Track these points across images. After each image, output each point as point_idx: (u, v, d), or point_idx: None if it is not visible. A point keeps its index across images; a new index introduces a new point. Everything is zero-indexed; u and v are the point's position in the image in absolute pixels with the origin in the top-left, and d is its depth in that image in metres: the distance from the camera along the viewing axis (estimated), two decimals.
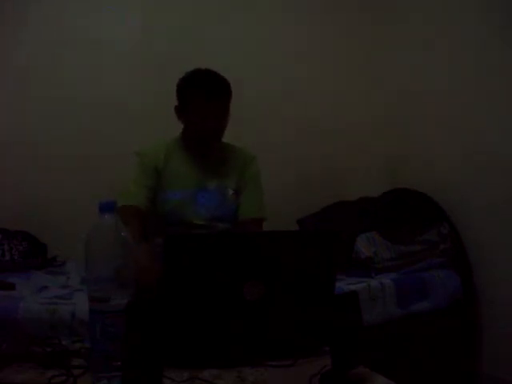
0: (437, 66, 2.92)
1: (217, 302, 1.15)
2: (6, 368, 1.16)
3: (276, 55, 3.25)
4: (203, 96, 1.89)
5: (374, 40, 3.33)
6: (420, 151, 3.08)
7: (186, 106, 1.95)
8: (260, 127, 3.19)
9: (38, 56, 2.94)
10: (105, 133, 2.98)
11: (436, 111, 2.95)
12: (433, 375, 2.54)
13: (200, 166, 2.00)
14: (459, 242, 2.78)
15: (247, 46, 3.21)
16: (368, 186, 3.24)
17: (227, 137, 2.08)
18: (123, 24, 3.04)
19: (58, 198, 2.94)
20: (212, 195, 1.98)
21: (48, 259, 2.80)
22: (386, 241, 2.73)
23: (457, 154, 2.83)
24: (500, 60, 2.57)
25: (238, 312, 1.16)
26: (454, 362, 2.64)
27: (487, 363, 2.71)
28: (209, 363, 1.17)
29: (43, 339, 1.28)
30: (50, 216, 2.91)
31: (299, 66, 3.30)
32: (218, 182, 2.00)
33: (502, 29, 2.54)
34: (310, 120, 3.31)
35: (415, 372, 2.45)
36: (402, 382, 1.21)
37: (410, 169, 3.16)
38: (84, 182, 2.95)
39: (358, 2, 3.37)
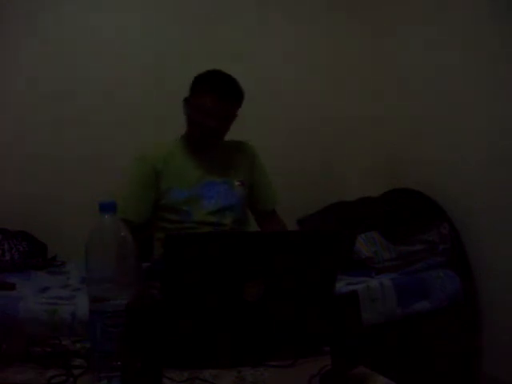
0: (437, 66, 2.92)
1: (217, 303, 1.15)
2: (5, 368, 1.16)
3: (276, 54, 3.25)
4: (213, 94, 1.92)
5: (373, 39, 3.33)
6: (420, 151, 3.08)
7: (195, 99, 1.97)
8: (259, 127, 3.18)
9: (38, 57, 2.94)
10: (105, 133, 2.98)
11: (436, 111, 2.95)
12: (433, 375, 2.54)
13: (203, 162, 2.03)
14: (459, 242, 2.78)
15: (247, 46, 3.20)
16: (368, 186, 3.23)
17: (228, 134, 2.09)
18: (124, 24, 3.05)
19: (58, 198, 2.94)
20: (218, 187, 2.02)
21: (48, 259, 2.80)
22: (386, 241, 2.73)
23: (457, 154, 2.83)
24: (502, 59, 2.56)
25: (237, 312, 1.16)
26: (454, 362, 2.64)
27: (487, 363, 2.71)
28: (209, 363, 1.17)
29: (43, 339, 1.28)
30: (50, 216, 2.91)
31: (298, 65, 3.30)
32: (223, 175, 2.04)
33: (503, 27, 2.54)
34: (310, 120, 3.31)
35: (415, 372, 2.45)
36: (402, 382, 1.21)
37: (409, 169, 3.16)
38: (84, 182, 2.95)
39: (360, 0, 3.37)
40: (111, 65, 3.01)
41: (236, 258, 1.15)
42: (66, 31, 2.97)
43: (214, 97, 1.92)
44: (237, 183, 2.06)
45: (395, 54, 3.23)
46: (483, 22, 2.64)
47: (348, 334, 1.13)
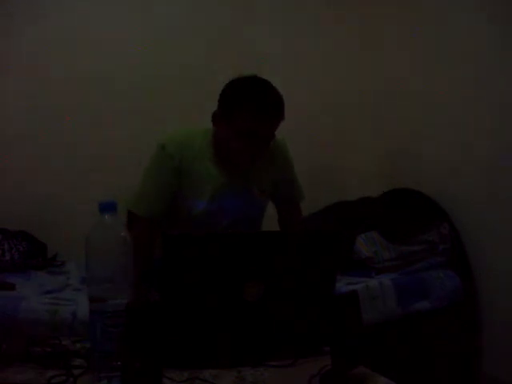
0: (437, 64, 2.92)
1: (217, 303, 1.15)
2: (5, 368, 1.16)
3: (275, 55, 3.24)
4: (252, 115, 1.62)
5: (373, 35, 3.32)
6: (420, 151, 3.07)
7: (227, 118, 1.68)
8: None
9: (38, 56, 2.94)
10: (105, 133, 2.98)
11: (436, 111, 2.95)
12: (433, 375, 2.54)
13: (227, 168, 1.80)
14: (459, 242, 2.78)
15: (246, 46, 3.20)
16: (368, 186, 3.23)
17: None
18: (123, 24, 3.05)
19: (58, 198, 2.93)
20: (237, 196, 1.82)
21: (48, 259, 2.80)
22: (386, 241, 2.73)
23: (457, 154, 2.83)
24: (501, 59, 2.56)
25: (237, 312, 1.16)
26: (454, 362, 2.64)
27: (487, 363, 2.71)
28: (209, 363, 1.17)
29: (43, 339, 1.28)
30: (50, 216, 2.91)
31: (298, 64, 3.30)
32: (244, 182, 1.83)
33: (503, 27, 2.54)
34: (310, 120, 3.31)
35: (415, 372, 2.45)
36: (402, 382, 1.21)
37: (409, 169, 3.16)
38: (84, 182, 2.95)
39: None
40: (111, 64, 3.01)
41: (236, 258, 1.15)
42: (65, 30, 2.97)
43: (253, 119, 1.62)
44: (257, 191, 1.84)
45: (395, 53, 3.22)
46: (481, 22, 2.64)
47: (348, 333, 1.13)
